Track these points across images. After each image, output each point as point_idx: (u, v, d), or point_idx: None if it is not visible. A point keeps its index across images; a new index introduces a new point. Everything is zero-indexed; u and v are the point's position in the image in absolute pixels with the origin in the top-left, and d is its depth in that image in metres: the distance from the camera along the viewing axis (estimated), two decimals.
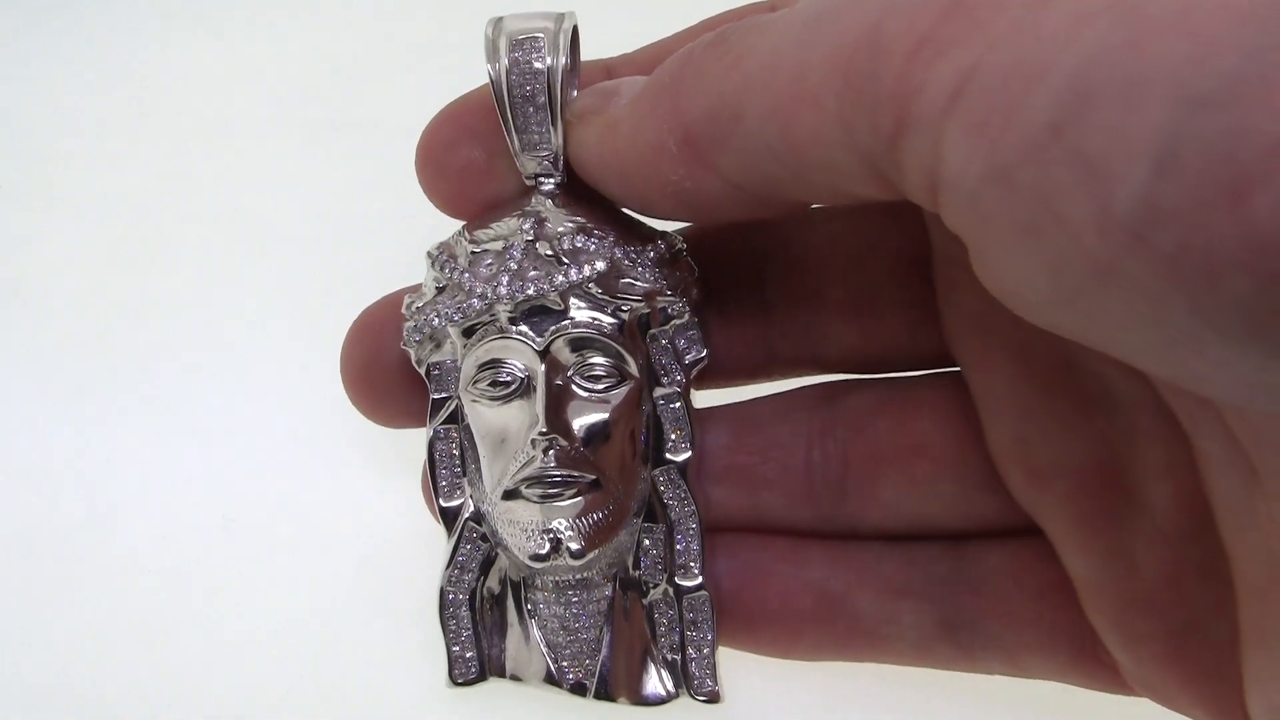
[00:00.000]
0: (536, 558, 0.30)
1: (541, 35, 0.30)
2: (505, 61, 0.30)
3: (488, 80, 0.30)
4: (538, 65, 0.30)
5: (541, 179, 0.32)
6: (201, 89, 0.67)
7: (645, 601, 0.32)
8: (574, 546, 0.30)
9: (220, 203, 0.63)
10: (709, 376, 0.33)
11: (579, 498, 0.30)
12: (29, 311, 0.60)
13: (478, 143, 0.31)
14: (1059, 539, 0.30)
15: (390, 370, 0.32)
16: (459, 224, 0.33)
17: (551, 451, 0.30)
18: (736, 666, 0.32)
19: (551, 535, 0.30)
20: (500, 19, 0.31)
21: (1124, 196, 0.18)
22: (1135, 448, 0.28)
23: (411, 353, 0.32)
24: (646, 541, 0.32)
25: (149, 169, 0.64)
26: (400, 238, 0.54)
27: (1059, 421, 0.29)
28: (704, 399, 0.33)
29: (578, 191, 0.31)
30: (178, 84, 0.67)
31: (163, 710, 0.48)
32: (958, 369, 0.32)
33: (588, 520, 0.30)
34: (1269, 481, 0.24)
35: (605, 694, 0.32)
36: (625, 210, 0.32)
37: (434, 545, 0.33)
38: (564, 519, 0.30)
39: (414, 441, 0.34)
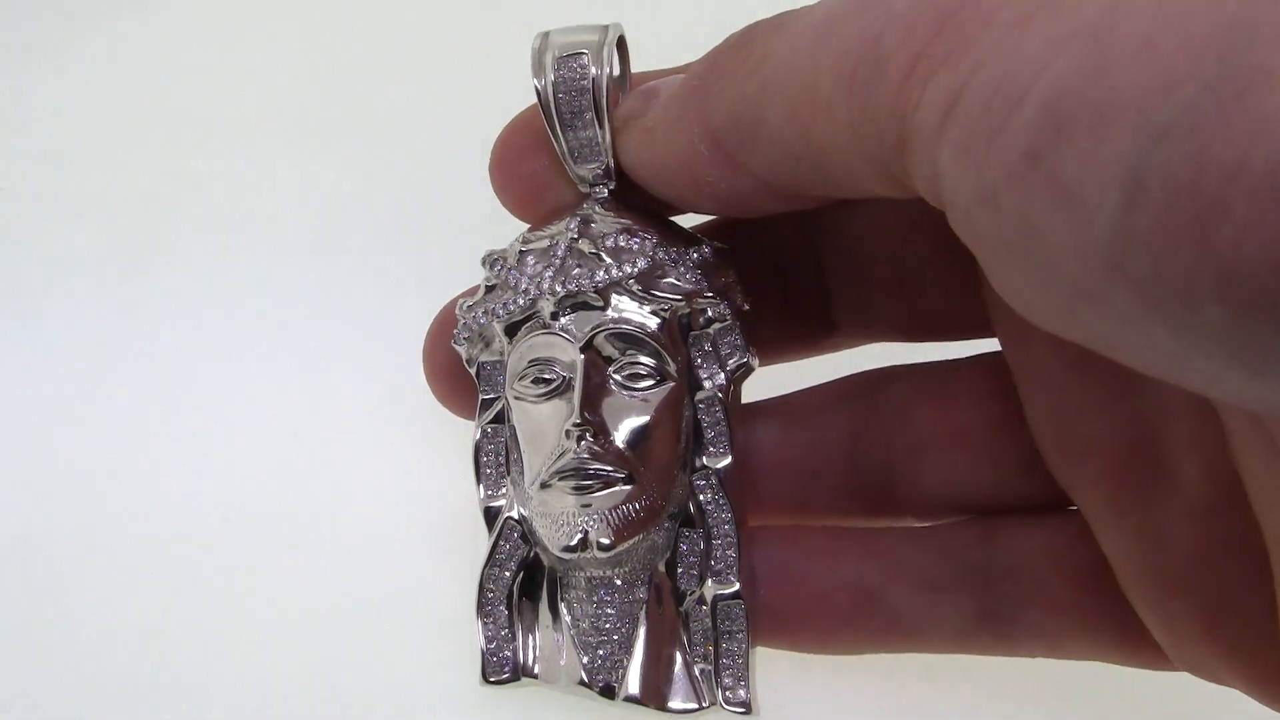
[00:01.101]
0: (567, 549, 0.31)
1: (586, 50, 0.31)
2: (551, 76, 0.31)
3: (535, 95, 0.31)
4: (583, 80, 0.31)
5: (596, 187, 0.32)
6: (203, 88, 0.66)
7: (680, 608, 0.32)
8: (603, 540, 0.31)
9: (218, 202, 0.62)
10: (778, 352, 0.34)
11: (610, 489, 0.31)
12: (29, 311, 0.60)
13: (550, 149, 0.32)
14: (1093, 517, 0.30)
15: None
16: (465, 224, 0.33)
17: (584, 443, 0.30)
18: (767, 674, 0.32)
19: (581, 527, 0.31)
20: (547, 34, 0.32)
21: (1099, 225, 0.18)
22: (1166, 423, 0.28)
23: (462, 351, 0.33)
24: (684, 547, 0.32)
25: (150, 169, 0.64)
26: (399, 236, 0.54)
27: (1094, 398, 0.29)
28: (754, 390, 0.34)
29: (628, 198, 0.32)
30: (178, 83, 0.67)
31: (163, 710, 0.48)
32: (999, 350, 0.32)
33: (618, 514, 0.31)
34: None
35: (635, 699, 0.32)
36: (674, 215, 0.33)
37: (454, 543, 0.33)
38: (595, 512, 0.31)
39: (419, 440, 0.34)
